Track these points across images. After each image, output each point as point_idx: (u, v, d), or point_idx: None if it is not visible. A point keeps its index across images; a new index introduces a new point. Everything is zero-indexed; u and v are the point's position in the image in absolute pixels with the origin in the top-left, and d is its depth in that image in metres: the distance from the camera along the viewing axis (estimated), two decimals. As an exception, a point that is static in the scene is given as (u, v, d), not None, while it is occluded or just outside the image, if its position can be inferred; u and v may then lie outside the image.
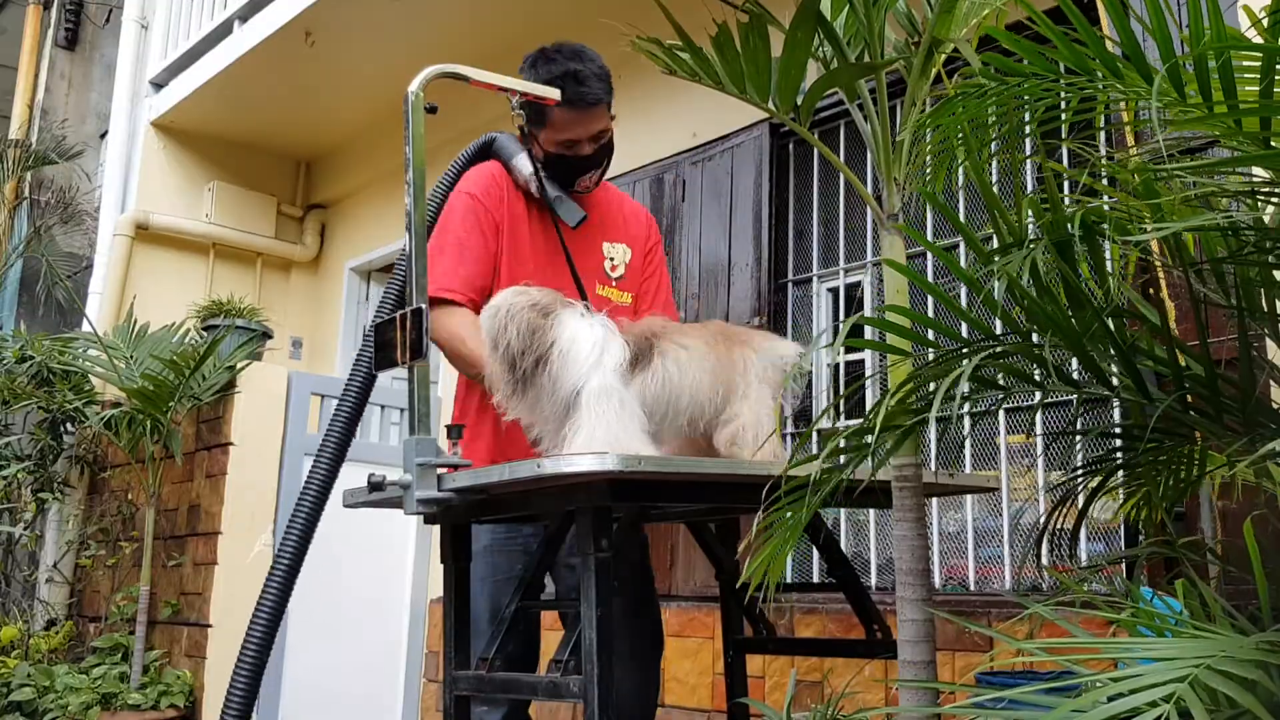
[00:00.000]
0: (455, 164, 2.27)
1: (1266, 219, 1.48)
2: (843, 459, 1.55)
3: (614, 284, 2.37)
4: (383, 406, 4.78)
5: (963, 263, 3.09)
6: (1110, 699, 1.08)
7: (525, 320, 1.79)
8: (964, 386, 1.32)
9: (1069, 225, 1.40)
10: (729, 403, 1.92)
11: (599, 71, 2.23)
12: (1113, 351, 1.49)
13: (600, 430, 1.74)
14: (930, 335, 1.78)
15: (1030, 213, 1.55)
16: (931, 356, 1.54)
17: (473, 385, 2.27)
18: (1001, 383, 1.56)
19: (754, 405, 1.91)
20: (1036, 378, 1.54)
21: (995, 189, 2.41)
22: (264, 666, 1.88)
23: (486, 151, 2.32)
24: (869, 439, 1.49)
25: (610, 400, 1.77)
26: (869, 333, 3.27)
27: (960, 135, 1.58)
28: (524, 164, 2.26)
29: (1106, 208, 1.50)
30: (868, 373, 3.59)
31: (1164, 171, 1.49)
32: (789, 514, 1.58)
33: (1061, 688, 1.28)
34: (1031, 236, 1.48)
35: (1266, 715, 1.05)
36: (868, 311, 3.63)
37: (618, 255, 2.38)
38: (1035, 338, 1.50)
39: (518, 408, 1.84)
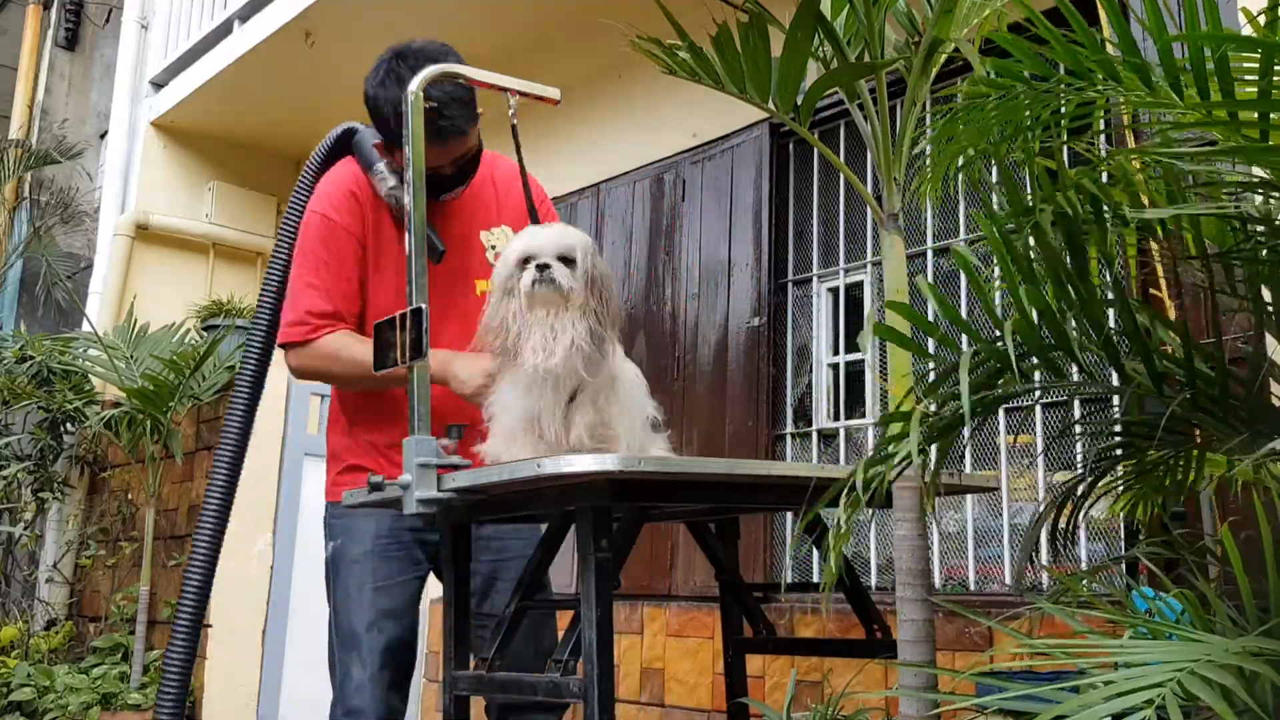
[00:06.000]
0: (312, 162, 2.22)
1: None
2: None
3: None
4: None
5: (943, 270, 3.07)
6: (1108, 699, 1.08)
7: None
8: (968, 383, 1.32)
9: (1078, 204, 1.40)
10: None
11: (456, 92, 1.99)
12: (1128, 343, 1.49)
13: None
14: (938, 335, 1.77)
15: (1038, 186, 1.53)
16: (964, 354, 1.53)
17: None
18: (1022, 372, 1.54)
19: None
20: (1047, 373, 1.53)
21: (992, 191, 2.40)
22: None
23: (346, 145, 2.22)
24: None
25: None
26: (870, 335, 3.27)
27: (963, 144, 1.57)
28: (387, 176, 2.12)
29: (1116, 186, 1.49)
30: (867, 373, 3.58)
31: (1165, 162, 1.49)
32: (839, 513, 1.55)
33: (1058, 688, 1.28)
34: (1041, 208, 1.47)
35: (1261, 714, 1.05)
36: (868, 312, 3.63)
37: (499, 240, 2.19)
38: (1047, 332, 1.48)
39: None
